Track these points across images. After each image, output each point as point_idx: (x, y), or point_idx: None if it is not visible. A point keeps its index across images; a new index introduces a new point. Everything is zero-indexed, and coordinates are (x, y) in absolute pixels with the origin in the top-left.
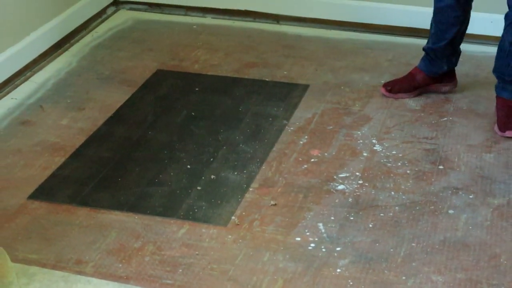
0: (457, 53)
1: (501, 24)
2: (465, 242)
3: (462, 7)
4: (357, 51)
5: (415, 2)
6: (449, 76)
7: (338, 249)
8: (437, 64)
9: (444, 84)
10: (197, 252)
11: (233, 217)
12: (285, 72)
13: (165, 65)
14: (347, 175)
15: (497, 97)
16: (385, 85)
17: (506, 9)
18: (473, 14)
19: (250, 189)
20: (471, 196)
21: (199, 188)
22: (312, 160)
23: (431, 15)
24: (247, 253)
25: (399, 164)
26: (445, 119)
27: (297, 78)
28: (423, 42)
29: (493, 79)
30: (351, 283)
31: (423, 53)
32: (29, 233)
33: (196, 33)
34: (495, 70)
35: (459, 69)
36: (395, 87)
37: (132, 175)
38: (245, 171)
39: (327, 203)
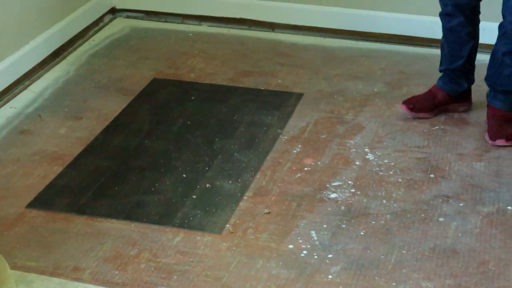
0: (474, 69)
1: (493, 32)
2: (454, 249)
3: (472, 22)
4: (351, 59)
5: (409, 10)
6: (466, 96)
7: (330, 256)
8: (458, 83)
9: (461, 104)
10: (192, 259)
11: (227, 225)
12: (279, 81)
13: (161, 74)
14: (340, 183)
15: (488, 105)
16: (407, 103)
17: (498, 17)
18: None
19: (245, 197)
20: (461, 204)
21: (194, 196)
22: (306, 169)
23: (425, 23)
24: (241, 260)
25: (391, 172)
26: (437, 127)
27: (292, 86)
28: (417, 50)
29: (484, 88)
30: None
31: (416, 60)
32: (27, 241)
33: (192, 41)
34: (487, 79)
35: None
36: (417, 106)
37: (128, 183)
38: (239, 180)
39: (319, 211)
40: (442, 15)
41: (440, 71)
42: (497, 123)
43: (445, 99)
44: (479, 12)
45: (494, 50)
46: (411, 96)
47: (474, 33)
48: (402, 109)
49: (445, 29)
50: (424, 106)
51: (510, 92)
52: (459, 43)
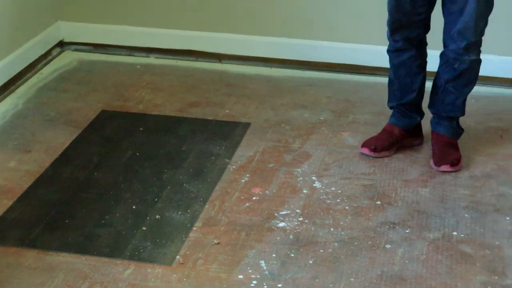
0: (422, 100)
1: (435, 60)
2: (401, 276)
3: (421, 54)
4: (297, 88)
5: (353, 40)
6: (418, 129)
7: (279, 285)
8: (410, 116)
9: (415, 138)
10: None
11: (177, 256)
12: (227, 111)
13: (110, 106)
14: (288, 212)
15: (432, 132)
16: (367, 145)
17: (439, 45)
18: None
19: (194, 228)
20: (407, 231)
21: (144, 228)
22: (254, 198)
23: (369, 52)
24: None
25: (338, 200)
26: None
27: (239, 116)
28: (361, 78)
29: (428, 114)
30: None
31: (361, 88)
32: None
33: (140, 73)
34: (430, 106)
35: None
36: (378, 146)
37: (79, 216)
38: (189, 211)
39: (268, 240)
40: (392, 51)
41: (391, 107)
42: (441, 149)
43: (401, 134)
44: (426, 44)
45: (436, 78)
46: (367, 138)
47: (424, 64)
48: (363, 152)
49: (395, 65)
50: (384, 146)
51: (453, 118)
52: (411, 76)
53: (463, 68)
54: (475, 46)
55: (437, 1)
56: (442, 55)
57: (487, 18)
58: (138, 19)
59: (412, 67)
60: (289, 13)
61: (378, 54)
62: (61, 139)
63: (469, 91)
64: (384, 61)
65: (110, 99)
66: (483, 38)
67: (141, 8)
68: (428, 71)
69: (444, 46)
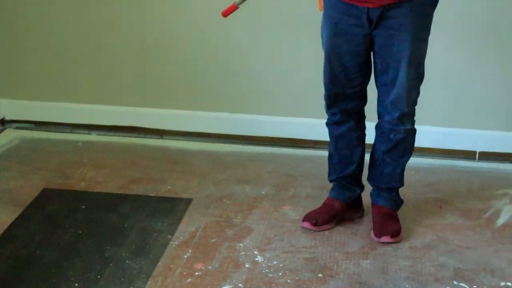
0: (362, 173)
1: (371, 132)
2: None
3: (360, 126)
4: (238, 163)
5: (293, 114)
6: (358, 202)
7: None
8: (350, 189)
9: (355, 210)
10: None
11: None
12: (169, 187)
13: (52, 184)
14: (231, 287)
15: (372, 204)
16: (308, 220)
17: (375, 117)
18: None
19: None
20: None
21: None
22: (196, 273)
23: (309, 125)
24: None
25: (280, 274)
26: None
27: (181, 192)
28: (302, 152)
29: (368, 186)
30: None
31: (302, 162)
32: None
33: (81, 150)
34: (370, 179)
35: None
36: (319, 220)
37: None
38: (131, 287)
39: None
40: (330, 124)
41: (331, 181)
42: (381, 221)
43: (342, 208)
44: (364, 117)
45: (373, 150)
46: (308, 212)
47: (362, 137)
48: (304, 226)
49: (334, 137)
50: (325, 219)
51: (393, 190)
52: (350, 149)
53: (398, 138)
54: (408, 116)
55: (372, 73)
56: (377, 127)
57: (419, 88)
58: (79, 96)
59: (351, 139)
60: (229, 88)
61: (317, 128)
62: (2, 218)
63: (406, 161)
64: (324, 134)
65: (52, 177)
66: (418, 109)
67: (81, 85)
68: (366, 143)
69: (379, 117)
